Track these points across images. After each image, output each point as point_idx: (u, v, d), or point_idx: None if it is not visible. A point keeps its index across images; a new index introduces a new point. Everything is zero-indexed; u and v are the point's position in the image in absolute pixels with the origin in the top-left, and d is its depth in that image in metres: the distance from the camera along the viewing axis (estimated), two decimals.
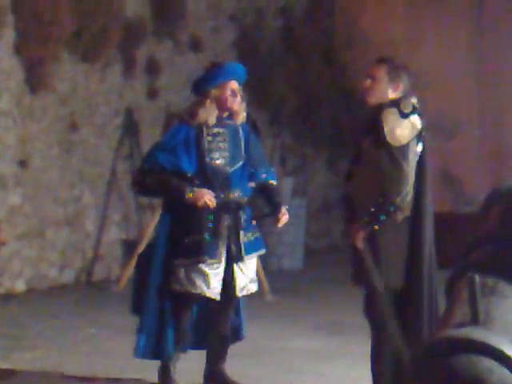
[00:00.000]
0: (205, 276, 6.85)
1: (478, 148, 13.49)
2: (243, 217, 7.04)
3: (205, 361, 7.11)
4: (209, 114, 6.95)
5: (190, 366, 7.12)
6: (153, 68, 12.44)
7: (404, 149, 6.43)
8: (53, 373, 7.45)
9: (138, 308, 7.05)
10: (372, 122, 6.53)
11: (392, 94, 6.65)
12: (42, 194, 11.29)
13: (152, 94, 12.49)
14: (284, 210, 7.45)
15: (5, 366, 7.64)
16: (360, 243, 6.38)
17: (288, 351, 8.20)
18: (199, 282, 6.85)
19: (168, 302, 6.96)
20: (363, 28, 14.15)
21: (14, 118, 10.99)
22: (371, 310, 6.48)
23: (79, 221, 11.75)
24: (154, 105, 12.40)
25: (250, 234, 7.10)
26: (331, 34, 14.38)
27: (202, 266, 6.84)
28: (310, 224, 13.71)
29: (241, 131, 7.19)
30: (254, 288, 7.21)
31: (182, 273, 6.89)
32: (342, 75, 14.02)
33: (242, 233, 7.01)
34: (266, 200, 7.44)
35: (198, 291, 6.86)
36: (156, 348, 6.94)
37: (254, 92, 13.52)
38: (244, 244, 7.01)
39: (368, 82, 6.61)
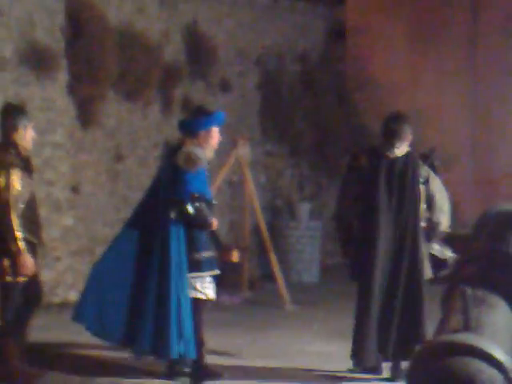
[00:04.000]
0: (210, 284, 7.25)
1: (471, 176, 13.47)
2: None
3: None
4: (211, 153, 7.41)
5: None
6: (188, 106, 12.33)
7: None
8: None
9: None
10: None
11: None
12: (91, 216, 11.33)
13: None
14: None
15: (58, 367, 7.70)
16: None
17: (306, 354, 8.19)
18: (210, 289, 7.25)
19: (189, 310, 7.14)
20: (371, 72, 14.13)
21: (67, 149, 11.02)
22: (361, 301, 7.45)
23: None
24: None
25: None
26: (343, 77, 14.35)
27: (210, 277, 7.24)
28: (326, 243, 13.69)
29: None
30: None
31: (198, 283, 7.17)
32: (353, 113, 13.97)
33: None
34: None
35: (211, 297, 7.28)
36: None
37: (276, 128, 13.56)
38: None
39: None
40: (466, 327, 3.89)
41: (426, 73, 13.63)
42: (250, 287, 11.79)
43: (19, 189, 6.84)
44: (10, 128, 6.98)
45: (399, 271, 7.44)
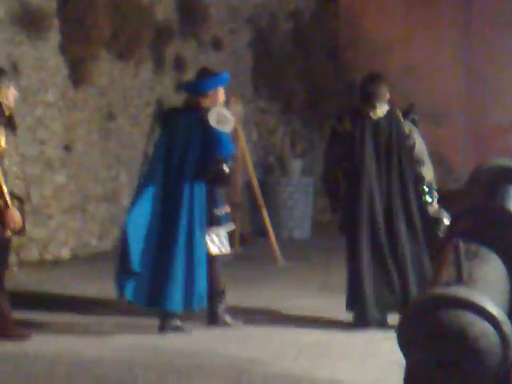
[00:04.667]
0: (226, 238, 7.49)
1: (464, 133, 13.49)
2: None
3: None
4: None
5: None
6: (179, 65, 12.45)
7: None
8: (91, 325, 7.53)
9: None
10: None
11: None
12: (84, 174, 11.35)
13: (179, 87, 12.51)
14: None
15: (52, 319, 7.69)
16: None
17: (297, 308, 8.19)
18: (227, 243, 7.50)
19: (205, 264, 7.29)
20: (364, 29, 14.13)
21: (59, 108, 11.02)
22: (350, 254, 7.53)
23: (116, 197, 11.80)
24: (180, 97, 12.41)
25: None
26: (336, 34, 14.37)
27: (225, 231, 7.47)
28: (317, 199, 13.71)
29: None
30: None
31: (216, 237, 7.39)
32: (345, 71, 14.00)
33: None
34: None
35: (226, 250, 7.49)
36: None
37: (268, 85, 13.56)
38: None
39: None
40: (459, 280, 3.83)
41: (419, 30, 13.62)
42: (242, 243, 11.82)
43: (3, 146, 6.87)
44: None
45: (393, 226, 7.52)
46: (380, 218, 7.49)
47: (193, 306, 7.31)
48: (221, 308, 7.48)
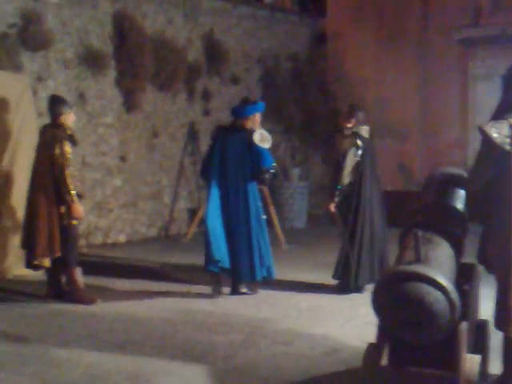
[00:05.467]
0: None
1: (421, 148, 13.48)
2: None
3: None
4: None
5: None
6: (206, 96, 12.39)
7: (350, 153, 7.13)
8: (143, 292, 7.55)
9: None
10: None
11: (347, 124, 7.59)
12: (135, 178, 11.34)
13: (206, 112, 12.46)
14: None
15: (113, 287, 7.71)
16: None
17: (297, 280, 8.21)
18: None
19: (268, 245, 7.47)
20: (346, 69, 14.08)
21: (116, 128, 11.03)
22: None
23: (160, 196, 11.78)
24: (207, 120, 12.41)
25: None
26: (325, 72, 14.30)
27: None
28: (311, 198, 13.72)
29: None
30: None
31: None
32: (332, 100, 13.94)
33: None
34: None
35: None
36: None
37: (273, 111, 13.51)
38: None
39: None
40: (417, 260, 3.90)
41: (388, 69, 13.57)
42: None
43: (69, 156, 6.92)
44: (57, 113, 7.08)
45: (374, 218, 7.59)
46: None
47: (250, 278, 7.34)
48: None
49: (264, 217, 7.50)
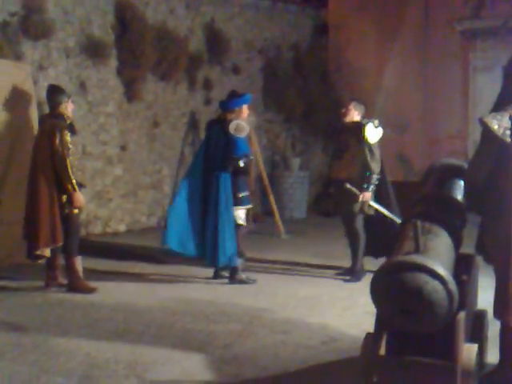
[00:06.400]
0: (244, 215, 7.57)
1: (421, 138, 13.48)
2: None
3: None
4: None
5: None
6: (207, 85, 12.37)
7: (376, 145, 7.22)
8: (142, 281, 7.58)
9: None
10: (355, 130, 7.21)
11: (357, 117, 7.70)
12: (135, 168, 11.34)
13: (207, 102, 12.44)
14: None
15: (112, 277, 7.72)
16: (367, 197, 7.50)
17: (296, 270, 8.23)
18: (244, 218, 7.57)
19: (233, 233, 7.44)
20: (347, 59, 14.07)
21: (116, 118, 11.02)
22: (351, 224, 7.63)
23: (160, 185, 11.78)
24: (208, 109, 12.40)
25: None
26: (326, 62, 14.30)
27: (244, 210, 7.55)
28: (311, 188, 13.72)
29: None
30: None
31: (239, 213, 7.49)
32: (332, 90, 13.95)
33: None
34: None
35: (244, 223, 7.59)
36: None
37: (275, 101, 13.51)
38: None
39: (344, 109, 7.72)
40: (416, 250, 3.90)
41: (388, 59, 13.56)
42: (255, 220, 11.81)
43: (69, 145, 6.91)
44: (56, 102, 7.09)
45: None
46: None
47: (213, 263, 7.49)
48: (241, 266, 7.60)
49: (243, 194, 7.53)
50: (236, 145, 7.38)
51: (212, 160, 7.49)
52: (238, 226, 7.49)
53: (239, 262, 7.56)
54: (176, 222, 7.42)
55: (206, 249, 7.41)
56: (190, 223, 7.44)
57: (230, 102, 7.58)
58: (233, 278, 7.56)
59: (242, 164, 7.40)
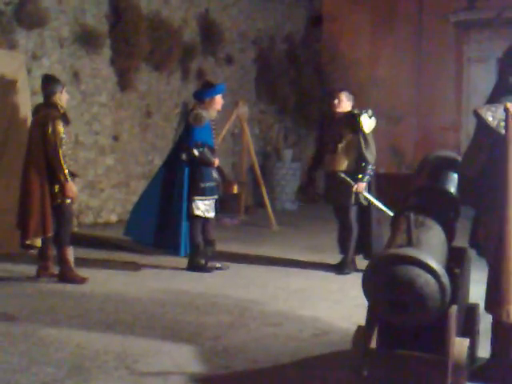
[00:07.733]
0: (211, 206, 7.49)
1: (415, 130, 13.48)
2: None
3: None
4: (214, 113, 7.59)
5: None
6: (201, 76, 12.34)
7: (371, 135, 7.16)
8: (133, 272, 7.55)
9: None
10: (350, 120, 7.12)
11: (349, 108, 7.62)
12: (127, 158, 11.31)
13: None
14: None
15: (103, 267, 7.71)
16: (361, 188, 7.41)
17: (287, 262, 8.22)
18: (210, 210, 7.49)
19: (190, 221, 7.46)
20: (341, 50, 14.07)
21: (109, 108, 10.97)
22: (345, 216, 7.55)
23: (152, 176, 11.71)
24: None
25: None
26: (319, 53, 14.30)
27: (210, 200, 7.46)
28: (303, 179, 13.72)
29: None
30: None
31: (200, 204, 7.41)
32: (326, 81, 13.95)
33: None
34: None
35: (209, 215, 7.48)
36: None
37: (267, 92, 13.50)
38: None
39: (336, 101, 7.58)
40: (409, 243, 3.88)
41: (382, 51, 13.57)
42: (246, 212, 11.84)
43: (62, 135, 6.86)
44: (50, 92, 7.03)
45: None
46: None
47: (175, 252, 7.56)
48: (210, 254, 7.65)
49: (207, 185, 7.49)
50: (191, 134, 7.41)
51: (177, 150, 7.57)
52: (196, 216, 7.42)
53: (206, 251, 7.57)
54: (137, 212, 7.66)
55: (168, 239, 7.48)
56: (151, 213, 7.55)
57: (201, 92, 7.59)
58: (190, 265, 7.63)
59: (196, 153, 7.37)
